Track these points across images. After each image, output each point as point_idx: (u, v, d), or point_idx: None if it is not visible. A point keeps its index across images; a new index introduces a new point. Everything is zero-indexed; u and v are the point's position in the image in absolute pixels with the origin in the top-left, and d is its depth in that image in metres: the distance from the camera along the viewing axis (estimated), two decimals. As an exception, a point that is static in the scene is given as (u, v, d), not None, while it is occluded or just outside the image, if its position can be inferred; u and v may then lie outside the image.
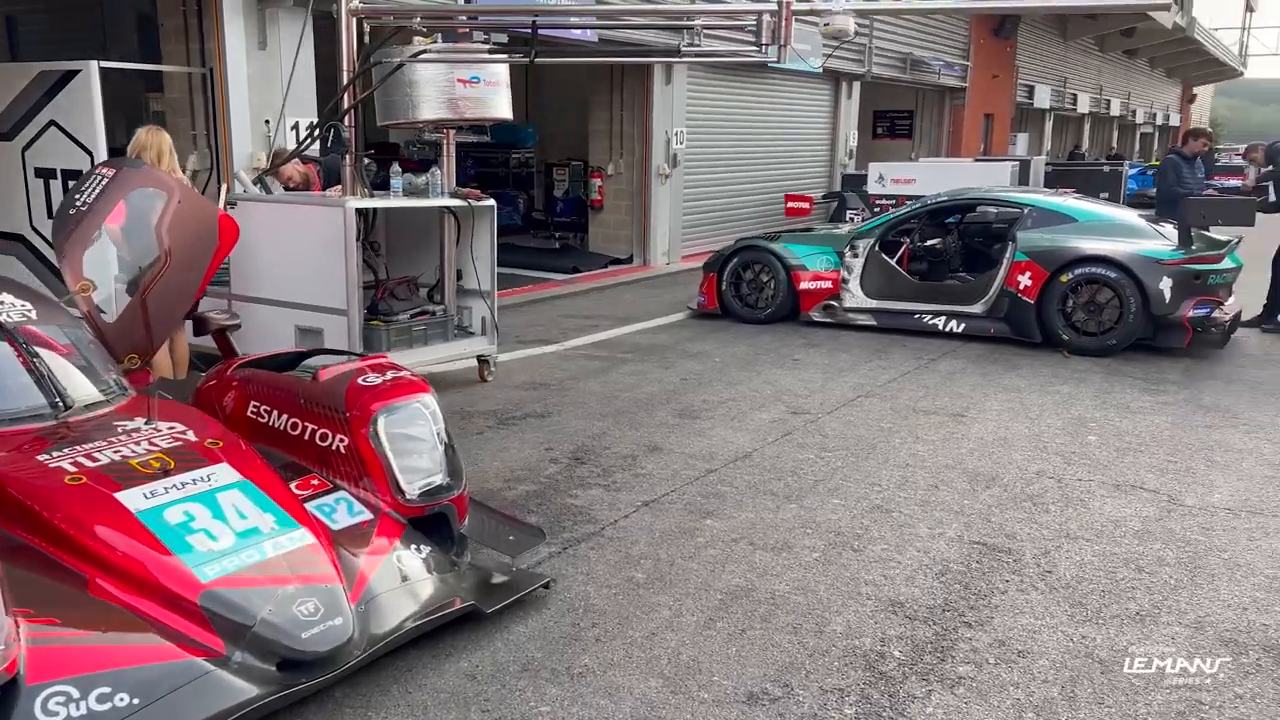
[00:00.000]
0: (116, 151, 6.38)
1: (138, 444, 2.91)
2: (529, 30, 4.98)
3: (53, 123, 6.87)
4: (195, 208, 3.77)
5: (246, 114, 7.86)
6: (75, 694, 2.19)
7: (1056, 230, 7.23)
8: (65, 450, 2.81)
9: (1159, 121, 37.80)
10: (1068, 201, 7.78)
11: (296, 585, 2.60)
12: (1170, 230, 7.13)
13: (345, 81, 5.22)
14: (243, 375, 3.47)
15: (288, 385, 3.33)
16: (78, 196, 3.85)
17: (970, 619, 3.10)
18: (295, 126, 7.48)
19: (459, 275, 6.15)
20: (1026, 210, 7.49)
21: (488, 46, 5.39)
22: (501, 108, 5.74)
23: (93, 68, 7.09)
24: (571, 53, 8.54)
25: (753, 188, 14.75)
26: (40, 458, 2.77)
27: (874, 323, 7.92)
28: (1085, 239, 7.05)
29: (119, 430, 2.98)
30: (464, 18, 5.61)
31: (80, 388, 3.18)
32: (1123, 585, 3.34)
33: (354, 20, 5.17)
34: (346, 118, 5.28)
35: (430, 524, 3.15)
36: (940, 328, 7.62)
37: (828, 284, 8.11)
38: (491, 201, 6.01)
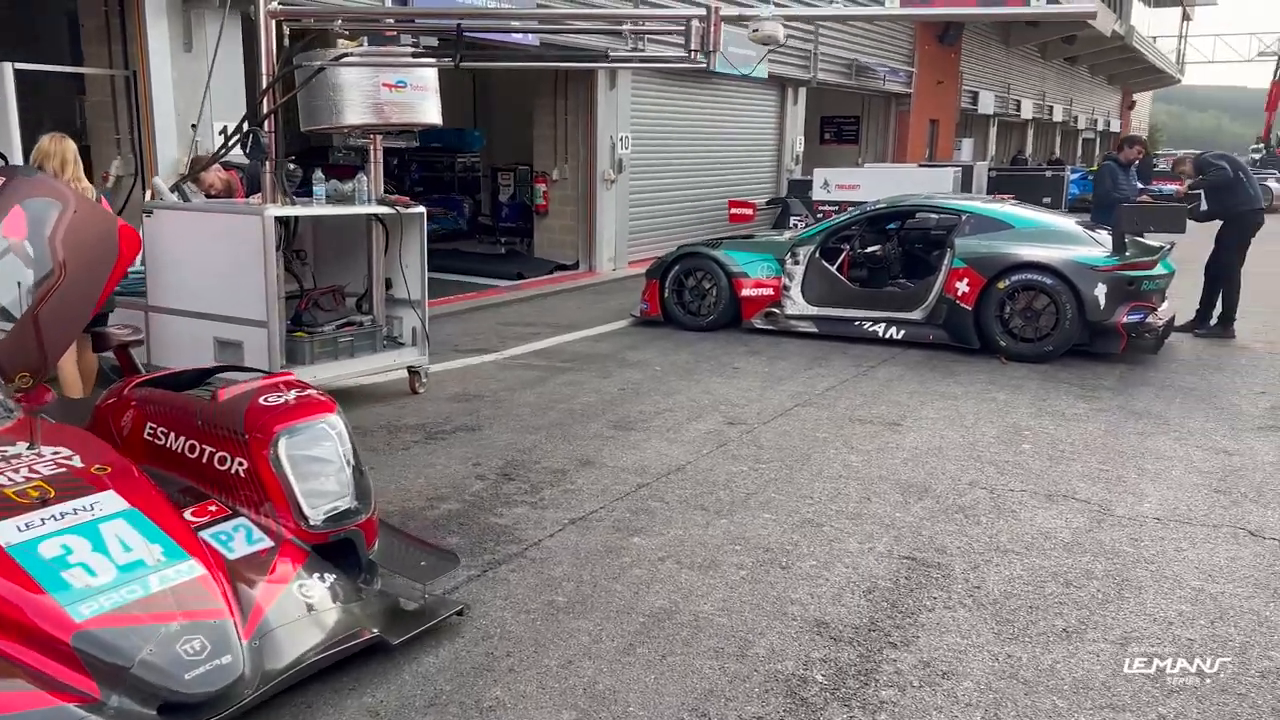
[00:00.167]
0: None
1: (16, 471, 2.73)
2: (470, 35, 4.83)
3: (-37, 125, 6.60)
4: (92, 218, 3.58)
5: (172, 118, 7.63)
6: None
7: (994, 237, 7.25)
8: (-66, 480, 2.62)
9: (1100, 127, 38.56)
10: (1005, 208, 7.82)
11: (182, 622, 2.44)
12: (1105, 237, 7.19)
13: (264, 85, 5.03)
14: (140, 395, 3.29)
15: (186, 405, 3.16)
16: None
17: (896, 639, 3.03)
18: (223, 131, 7.25)
19: (388, 284, 5.98)
20: (964, 217, 7.52)
21: (411, 50, 5.23)
22: (430, 113, 5.59)
23: (6, 69, 6.82)
24: (511, 57, 8.40)
25: (700, 193, 14.71)
26: (-94, 489, 2.58)
27: (815, 330, 7.90)
28: (1022, 245, 7.08)
29: (-3, 457, 2.79)
30: (391, 20, 5.45)
31: (-43, 411, 2.98)
32: (1050, 600, 3.30)
33: (273, 22, 4.99)
34: (266, 123, 5.09)
35: (337, 550, 3.01)
36: (880, 334, 7.61)
37: (769, 291, 8.07)
38: (421, 209, 5.86)
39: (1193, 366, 6.96)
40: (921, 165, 17.12)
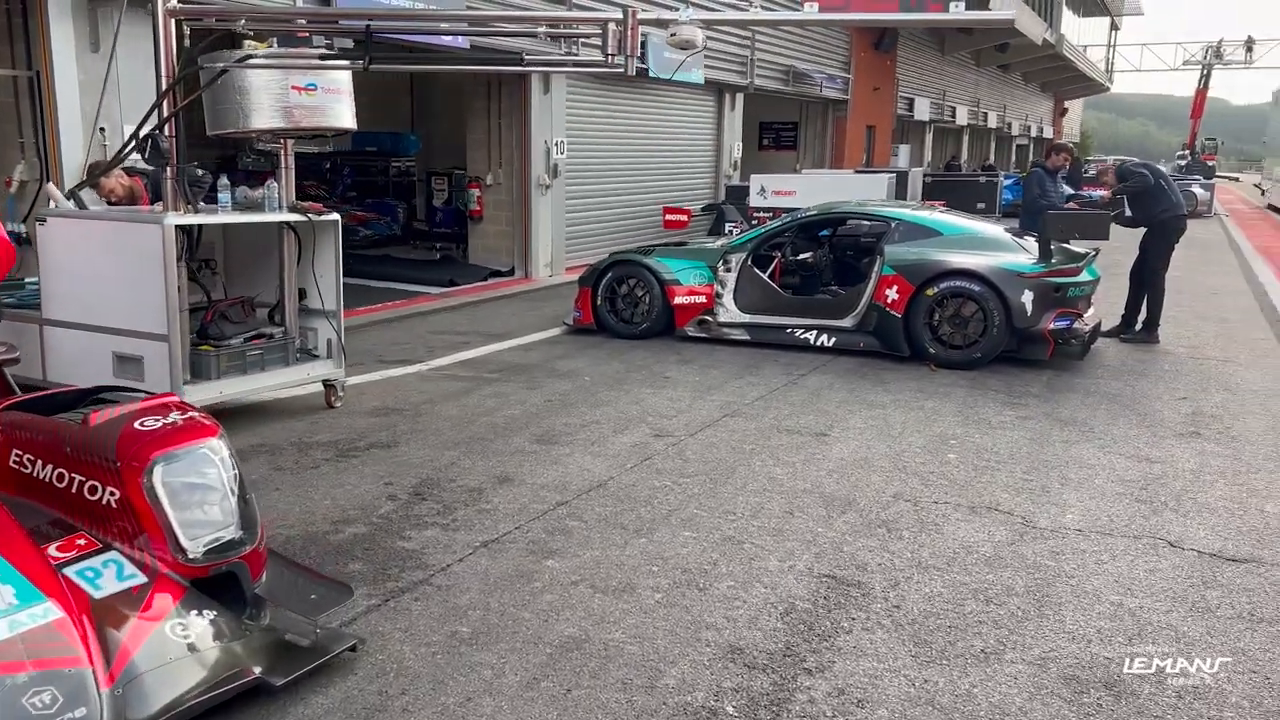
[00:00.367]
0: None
1: None
2: (388, 37, 4.65)
3: None
4: (-40, 228, 3.34)
5: (78, 120, 7.28)
6: None
7: (922, 244, 7.25)
8: None
9: (1034, 133, 39.36)
10: (933, 215, 7.84)
11: (31, 672, 2.24)
12: (1032, 243, 7.22)
13: (163, 88, 4.79)
14: (7, 419, 3.06)
15: (55, 431, 2.93)
16: None
17: (811, 664, 2.93)
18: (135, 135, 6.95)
19: (302, 295, 5.76)
20: (893, 224, 7.51)
21: (319, 52, 5.03)
22: (343, 117, 5.39)
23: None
24: (433, 59, 8.20)
25: (639, 198, 14.61)
26: None
27: (748, 337, 7.83)
28: (950, 253, 7.08)
29: None
30: (303, 21, 5.24)
31: None
32: (970, 619, 3.22)
33: (172, 21, 4.76)
34: (166, 127, 4.85)
35: (220, 584, 2.82)
36: (812, 342, 7.57)
37: (702, 299, 7.98)
38: (335, 216, 5.65)
39: (1118, 372, 7.02)
40: (858, 171, 17.25)
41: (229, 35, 5.20)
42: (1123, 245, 8.52)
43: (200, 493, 2.84)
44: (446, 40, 9.56)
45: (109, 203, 5.74)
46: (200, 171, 5.46)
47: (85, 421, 2.88)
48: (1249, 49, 39.67)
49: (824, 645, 3.04)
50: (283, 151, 5.54)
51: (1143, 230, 8.16)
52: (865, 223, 8.27)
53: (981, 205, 19.68)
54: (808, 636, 3.10)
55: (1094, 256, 7.34)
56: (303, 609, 2.97)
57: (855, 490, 4.48)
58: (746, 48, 16.26)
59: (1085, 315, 7.17)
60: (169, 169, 4.87)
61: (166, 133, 4.84)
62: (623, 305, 8.27)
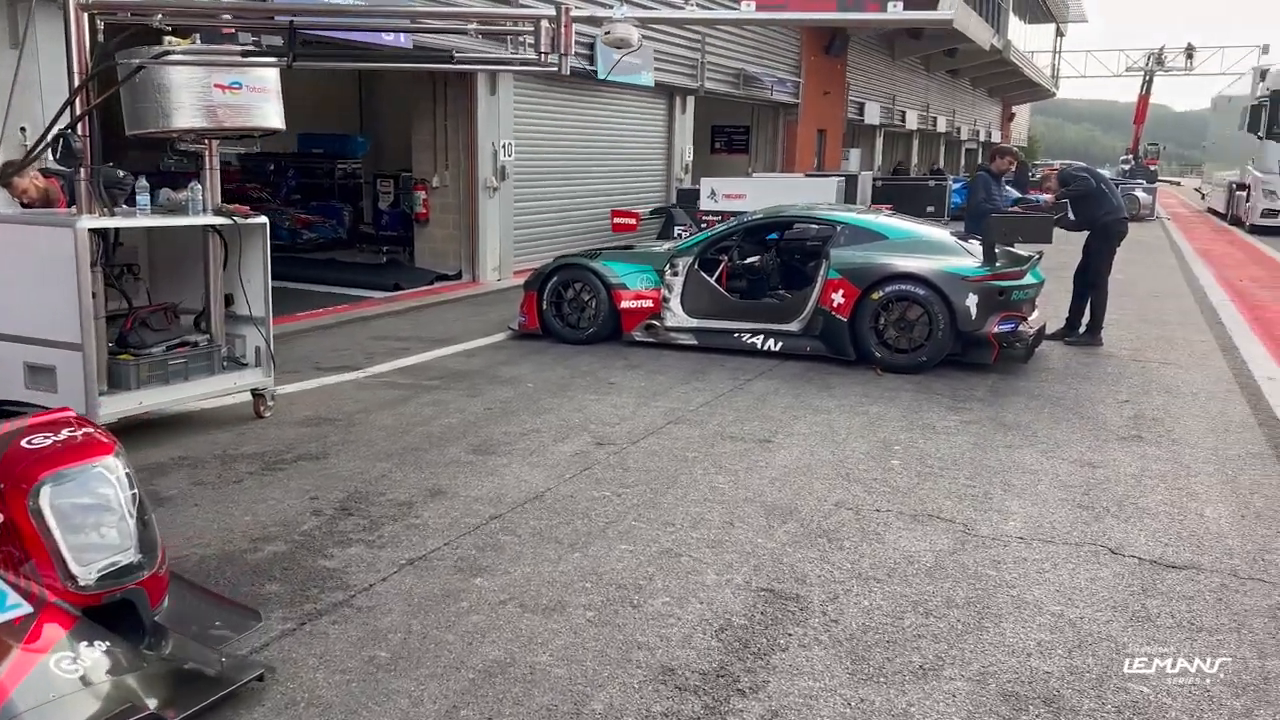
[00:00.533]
0: None
1: None
2: (317, 33, 4.47)
3: None
4: None
5: (-3, 119, 6.98)
6: None
7: (868, 248, 7.21)
8: None
9: (982, 138, 39.93)
10: (879, 219, 7.81)
11: (-110, 718, 2.05)
12: (977, 247, 7.22)
13: (75, 84, 4.57)
14: (-113, 437, 2.84)
15: (-66, 450, 2.73)
16: None
17: (745, 685, 2.82)
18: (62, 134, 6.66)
19: (229, 301, 5.54)
20: (839, 228, 7.46)
21: (240, 49, 4.84)
22: (270, 117, 5.20)
23: None
24: (374, 57, 8.00)
25: (588, 201, 14.48)
26: None
27: (695, 342, 7.73)
28: (895, 256, 7.05)
29: None
30: (227, 16, 5.03)
31: None
32: (908, 633, 3.14)
33: (84, 16, 4.53)
34: (80, 126, 4.62)
35: (116, 613, 2.64)
36: (759, 346, 7.49)
37: (649, 303, 7.87)
38: (262, 219, 5.44)
39: (1061, 375, 7.03)
40: (809, 175, 17.30)
41: (150, 31, 4.99)
42: (1066, 248, 8.57)
43: (94, 514, 2.66)
44: (388, 39, 9.36)
45: (22, 204, 5.48)
46: (121, 173, 5.23)
47: (-33, 440, 2.68)
48: (1189, 56, 40.57)
49: (759, 664, 2.94)
50: (207, 152, 5.32)
51: (1085, 233, 8.21)
52: (813, 226, 8.22)
53: (931, 209, 19.87)
54: (743, 655, 2.99)
55: (1038, 260, 7.36)
56: (208, 637, 2.79)
57: (797, 499, 4.40)
58: (697, 50, 16.22)
59: (1029, 318, 7.18)
60: (82, 170, 4.64)
61: (80, 131, 4.61)
62: (569, 310, 8.13)
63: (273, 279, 11.35)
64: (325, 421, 5.58)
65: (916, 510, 4.26)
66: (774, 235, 8.54)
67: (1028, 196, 10.22)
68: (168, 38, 4.85)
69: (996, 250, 7.08)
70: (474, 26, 4.33)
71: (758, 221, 8.19)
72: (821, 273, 7.24)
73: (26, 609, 2.50)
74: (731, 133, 21.00)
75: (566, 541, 3.85)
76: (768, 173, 18.68)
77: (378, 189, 14.96)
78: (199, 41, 5.15)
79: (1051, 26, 47.67)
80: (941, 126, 33.08)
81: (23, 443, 2.66)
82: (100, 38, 4.63)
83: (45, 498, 2.57)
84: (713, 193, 13.48)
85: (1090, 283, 8.16)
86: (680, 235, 11.78)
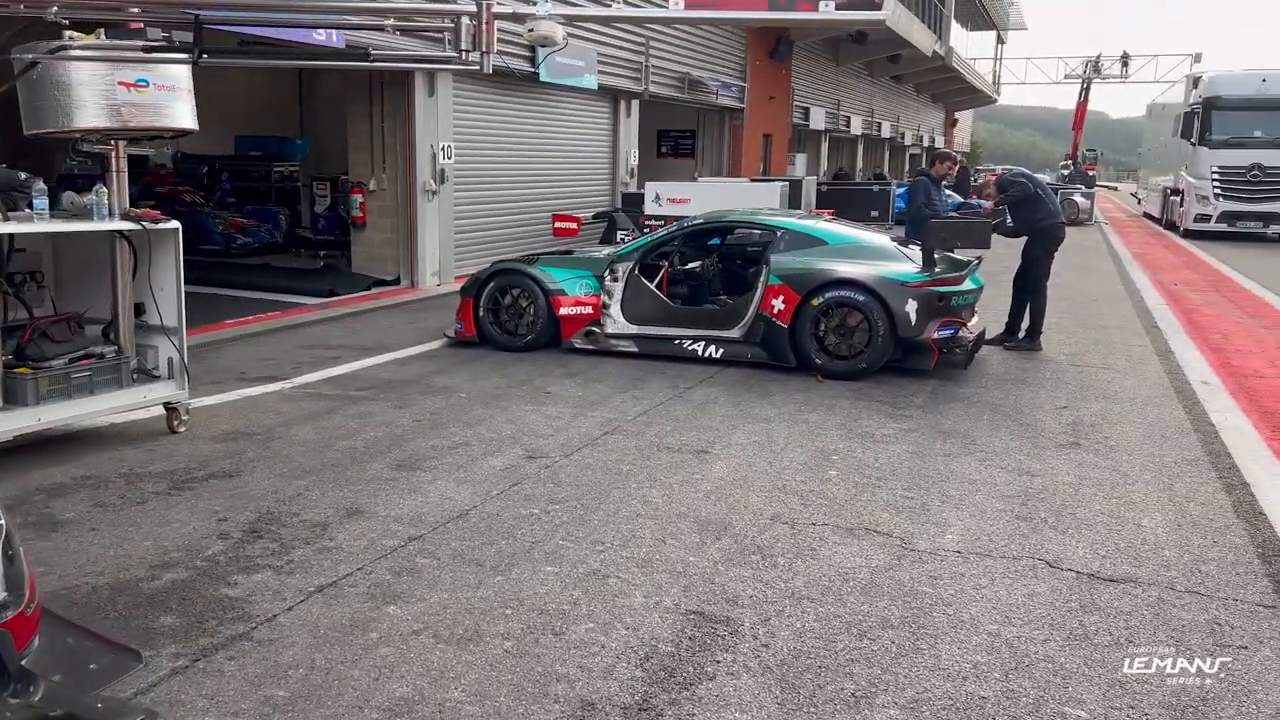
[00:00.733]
0: None
1: None
2: (225, 28, 4.23)
3: None
4: None
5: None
6: None
7: (808, 253, 7.12)
8: None
9: (926, 143, 40.42)
10: (819, 224, 7.73)
11: None
12: (917, 252, 7.17)
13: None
14: None
15: None
16: None
17: (668, 718, 2.66)
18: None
19: (140, 310, 5.26)
20: (779, 233, 7.37)
21: (142, 45, 4.58)
22: (181, 116, 4.95)
23: None
24: (296, 55, 7.73)
25: (532, 205, 14.25)
26: None
27: (636, 349, 7.58)
28: (835, 262, 6.97)
29: None
30: (135, 10, 4.76)
31: None
32: (841, 657, 3.01)
33: (-28, 6, 4.23)
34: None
35: (-24, 657, 2.40)
36: (700, 353, 7.36)
37: (588, 309, 7.71)
38: (174, 224, 5.17)
39: (1001, 381, 7.01)
40: (754, 180, 17.25)
41: (49, 25, 4.70)
42: (1005, 254, 8.58)
43: (-49, 551, 2.41)
44: (320, 37, 9.08)
45: (-86, 209, 5.14)
46: (22, 175, 4.93)
47: None
48: (1124, 64, 41.52)
49: (684, 695, 2.79)
50: (114, 154, 5.04)
51: (1024, 239, 8.22)
52: (754, 231, 8.12)
53: (875, 213, 19.98)
54: (667, 685, 2.84)
55: (977, 265, 7.34)
56: (82, 681, 2.56)
57: (732, 513, 4.26)
58: (640, 54, 16.10)
59: (969, 324, 7.15)
60: (-27, 172, 4.35)
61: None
62: (506, 317, 7.93)
63: (204, 285, 11.04)
64: (243, 436, 5.31)
65: (853, 523, 4.15)
66: (716, 240, 8.43)
67: (970, 201, 10.26)
68: (67, 32, 4.58)
69: (936, 256, 7.04)
70: (391, 23, 4.15)
71: (698, 227, 8.07)
72: (762, 279, 7.14)
73: None
74: (678, 137, 20.94)
75: (489, 564, 3.67)
76: (713, 177, 18.62)
77: (314, 192, 14.59)
78: (103, 37, 4.88)
79: (992, 33, 48.48)
80: (886, 132, 33.40)
81: None
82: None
83: (-108, 533, 2.32)
84: (657, 197, 13.35)
85: (1029, 288, 8.17)
86: (622, 240, 11.61)
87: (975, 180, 19.49)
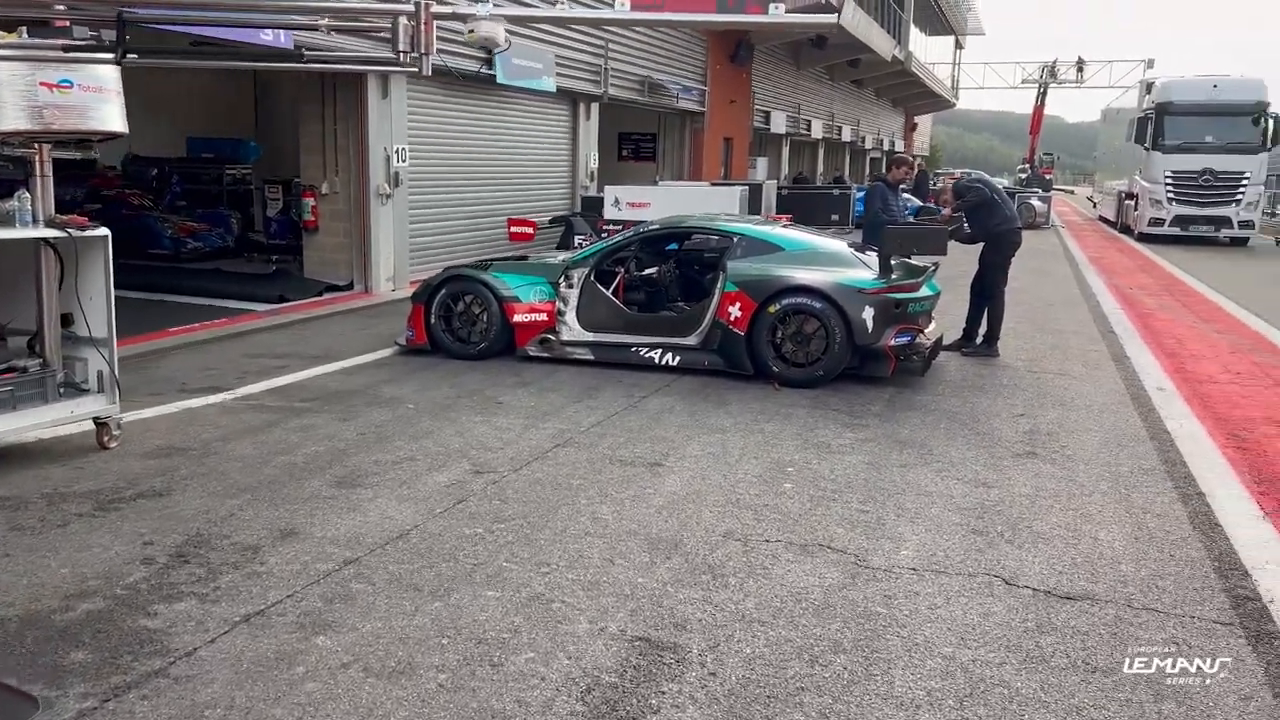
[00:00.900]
0: None
1: None
2: (158, 27, 4.02)
3: None
4: None
5: None
6: None
7: (765, 260, 7.03)
8: None
9: (885, 147, 40.69)
10: (776, 230, 7.64)
11: None
12: (874, 258, 7.10)
13: None
14: None
15: None
16: None
17: (609, 758, 2.53)
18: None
19: (67, 321, 5.03)
20: (736, 239, 7.26)
21: (63, 44, 4.37)
22: (109, 119, 4.72)
23: None
24: (249, 57, 7.50)
25: (490, 208, 14.06)
26: None
27: (592, 357, 7.44)
28: (791, 268, 6.88)
29: None
30: (61, 7, 4.54)
31: None
32: (792, 685, 2.90)
33: (-121, 1, 4.00)
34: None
35: None
36: (657, 361, 7.24)
37: (543, 316, 7.56)
38: (104, 231, 4.95)
39: (958, 388, 6.96)
40: (715, 184, 17.18)
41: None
42: (963, 259, 8.56)
43: None
44: (267, 39, 8.84)
45: None
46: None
47: None
48: (1080, 69, 42.16)
49: (626, 730, 2.65)
50: (38, 158, 4.81)
51: (981, 244, 8.19)
52: (712, 237, 8.02)
53: (835, 217, 20.02)
54: (609, 720, 2.70)
55: (934, 271, 7.28)
56: (-28, 731, 2.38)
57: (684, 529, 4.13)
58: (600, 56, 15.98)
59: (926, 330, 7.10)
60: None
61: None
62: (459, 324, 7.76)
63: (152, 291, 10.71)
64: (177, 452, 5.10)
65: (807, 540, 4.04)
66: (673, 246, 8.32)
67: (930, 205, 10.24)
68: (-14, 30, 4.35)
69: (893, 262, 6.98)
70: (326, 23, 3.98)
71: (654, 232, 7.95)
72: (718, 285, 7.04)
73: None
74: (639, 140, 20.83)
75: (427, 589, 3.51)
76: (675, 181, 18.53)
77: (266, 195, 14.28)
78: (25, 35, 4.65)
79: (951, 39, 48.99)
80: (846, 136, 33.55)
81: None
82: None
83: None
84: (617, 201, 13.20)
85: (987, 293, 8.15)
86: (580, 245, 11.48)
87: (935, 184, 19.61)
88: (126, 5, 3.97)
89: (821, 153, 32.28)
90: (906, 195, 16.18)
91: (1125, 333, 9.51)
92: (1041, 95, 37.88)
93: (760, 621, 3.31)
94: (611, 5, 4.09)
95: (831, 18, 9.56)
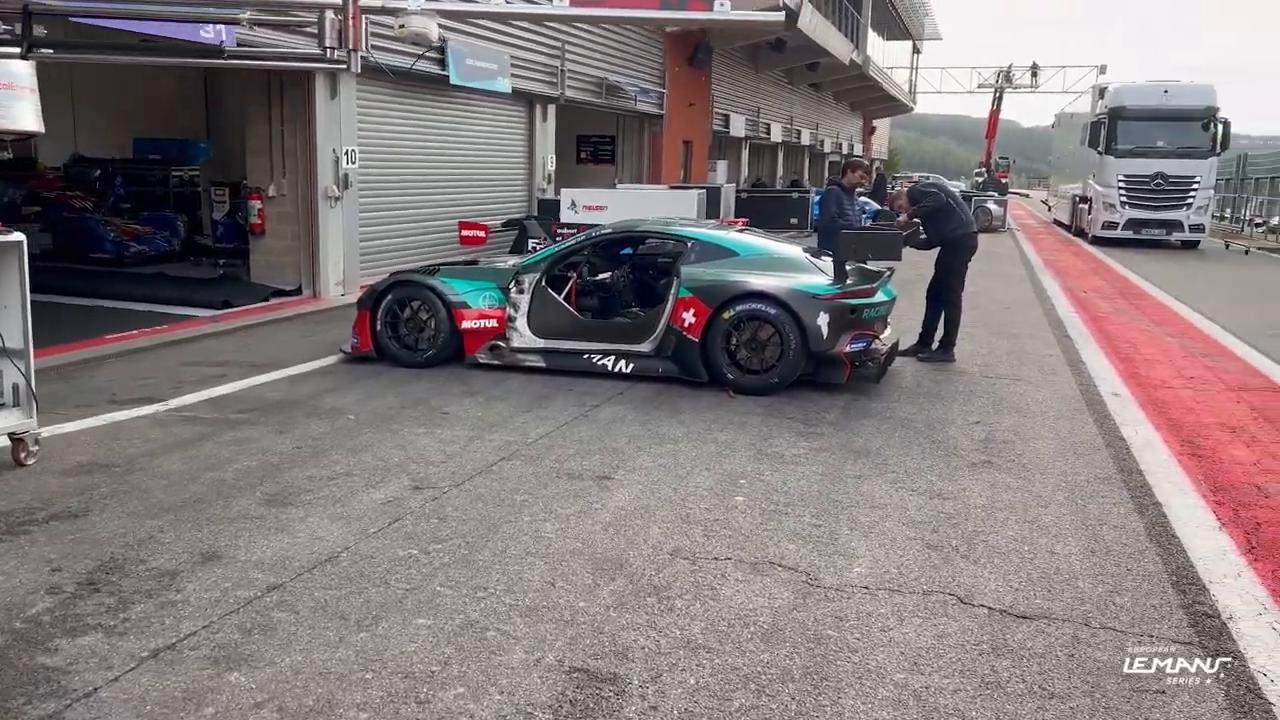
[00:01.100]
0: None
1: None
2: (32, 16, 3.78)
3: None
4: None
5: None
6: None
7: (719, 265, 6.89)
8: None
9: (844, 151, 40.92)
10: (730, 235, 7.51)
11: None
12: (829, 264, 6.99)
13: None
14: None
15: None
16: None
17: (538, 805, 2.36)
18: None
19: (-22, 331, 4.75)
20: (690, 244, 7.12)
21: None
22: (22, 118, 4.47)
23: None
24: (183, 54, 7.23)
25: (444, 211, 13.80)
26: None
27: (543, 364, 7.26)
28: (746, 274, 6.75)
29: None
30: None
31: None
32: (736, 719, 2.74)
33: None
34: None
35: None
36: (610, 368, 7.07)
37: (493, 323, 7.35)
38: (18, 237, 4.68)
39: (913, 395, 6.87)
40: (673, 187, 17.07)
41: None
42: (919, 264, 8.49)
43: None
44: (207, 36, 8.55)
45: None
46: None
47: None
48: (1034, 74, 42.65)
49: (558, 773, 2.48)
50: (-54, 158, 4.54)
51: (937, 249, 8.13)
52: (667, 242, 7.87)
53: (794, 220, 20.02)
54: (540, 762, 2.53)
55: (889, 276, 7.20)
56: None
57: (630, 547, 3.97)
58: (556, 58, 15.79)
59: (882, 336, 7.01)
60: None
61: None
62: (406, 331, 7.53)
63: (90, 297, 10.36)
64: (99, 469, 4.84)
65: (757, 557, 3.89)
66: (628, 250, 8.15)
67: (887, 209, 10.17)
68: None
69: (848, 267, 6.87)
70: (248, 16, 3.76)
71: (608, 237, 7.77)
72: (672, 291, 6.89)
73: None
74: (597, 143, 20.67)
75: (353, 617, 3.31)
76: (634, 184, 18.40)
77: (213, 198, 13.92)
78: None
79: (909, 43, 49.43)
80: (806, 139, 33.66)
81: None
82: None
83: None
84: (573, 204, 13.06)
85: (943, 298, 8.08)
86: (534, 249, 11.29)
87: (892, 188, 19.65)
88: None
89: (781, 156, 32.35)
90: (864, 199, 16.20)
91: (1080, 337, 9.51)
92: (997, 100, 38.27)
93: (706, 648, 3.15)
94: (551, 1, 3.92)
95: (779, 15, 9.42)
